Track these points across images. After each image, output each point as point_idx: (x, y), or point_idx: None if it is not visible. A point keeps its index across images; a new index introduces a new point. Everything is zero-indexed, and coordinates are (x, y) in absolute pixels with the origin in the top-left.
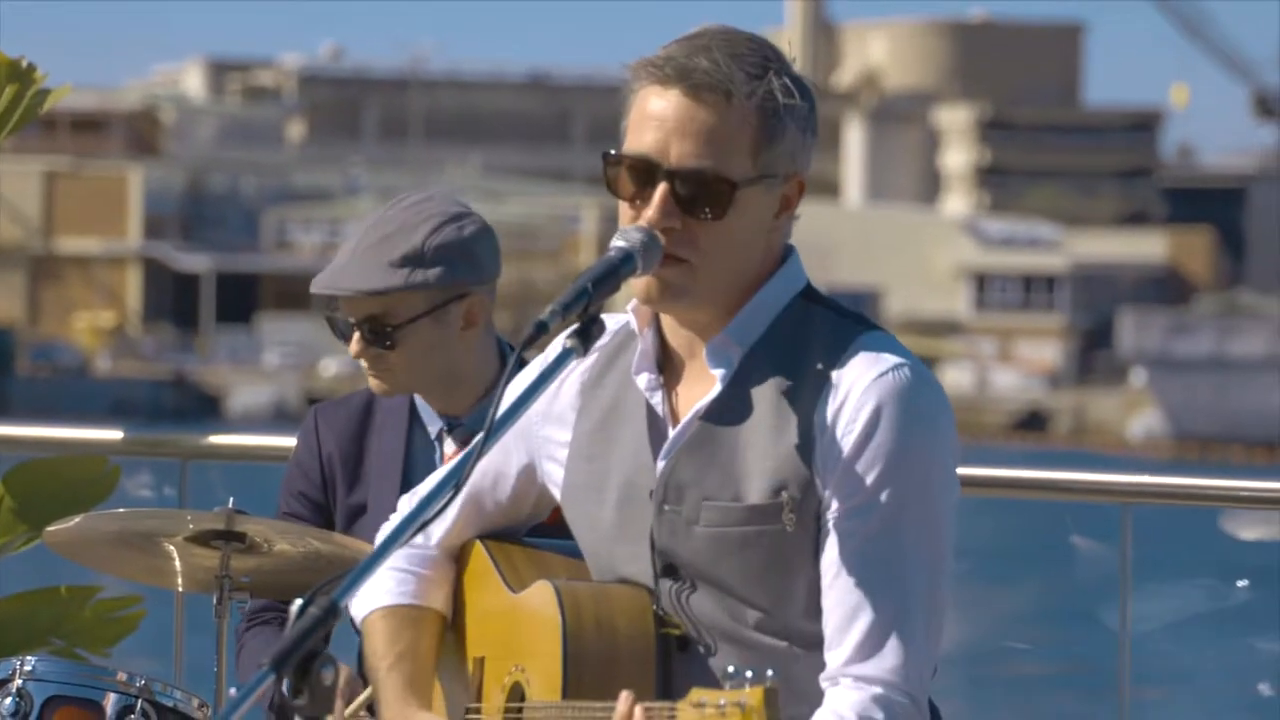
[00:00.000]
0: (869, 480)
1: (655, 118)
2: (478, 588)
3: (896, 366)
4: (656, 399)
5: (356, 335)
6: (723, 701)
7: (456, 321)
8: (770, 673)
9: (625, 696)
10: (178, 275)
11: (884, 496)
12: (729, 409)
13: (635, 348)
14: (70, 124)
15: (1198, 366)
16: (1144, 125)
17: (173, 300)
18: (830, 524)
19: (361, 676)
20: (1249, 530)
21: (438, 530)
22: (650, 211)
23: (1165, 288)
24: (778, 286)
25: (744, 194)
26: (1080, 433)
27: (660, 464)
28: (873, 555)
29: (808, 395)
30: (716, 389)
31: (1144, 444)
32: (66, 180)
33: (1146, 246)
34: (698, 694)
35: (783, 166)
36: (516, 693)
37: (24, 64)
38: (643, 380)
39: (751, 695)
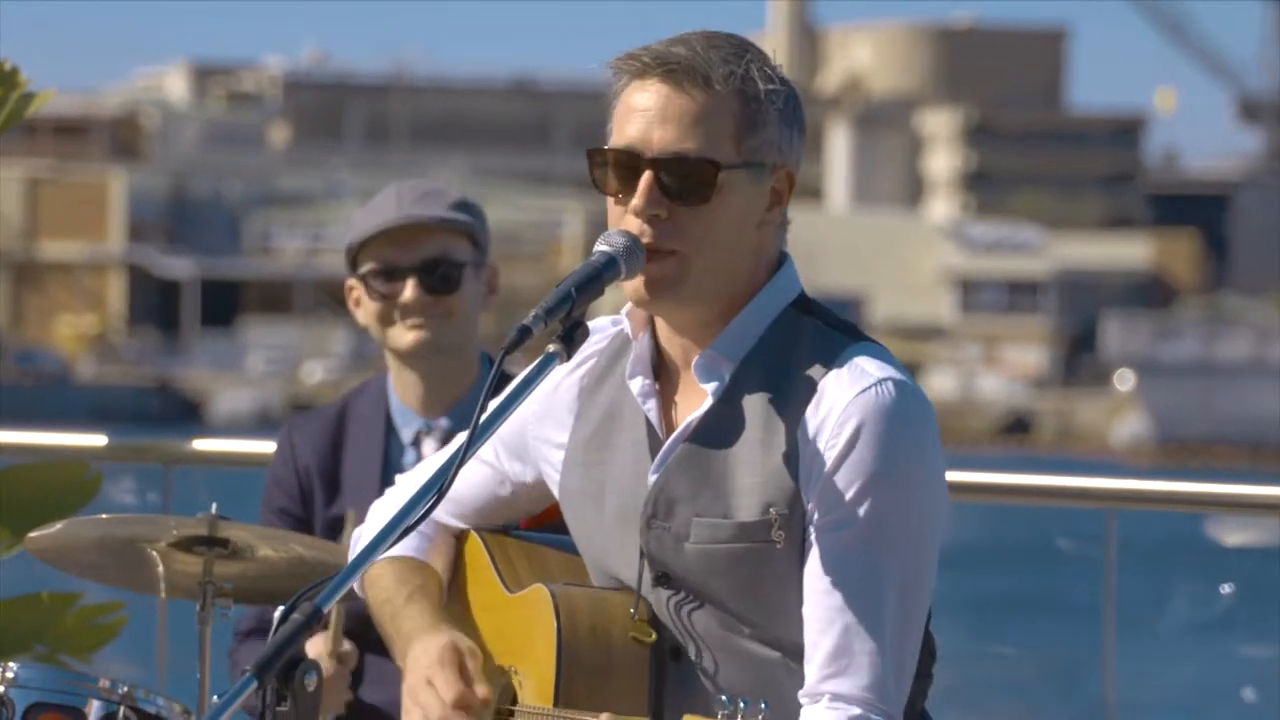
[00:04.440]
0: (849, 495)
1: (637, 109)
2: (473, 581)
3: (881, 381)
4: (651, 406)
5: (413, 280)
6: None
7: (484, 284)
8: (764, 705)
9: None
10: (161, 280)
11: (862, 512)
12: (719, 425)
13: (631, 352)
14: (52, 129)
15: (1183, 371)
16: (1128, 130)
17: (156, 305)
18: (811, 537)
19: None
20: (1233, 535)
21: (440, 513)
22: (636, 199)
23: (1150, 292)
24: (769, 296)
25: (729, 179)
26: (1065, 437)
27: (651, 478)
28: (849, 570)
29: (794, 410)
30: (707, 404)
31: (1129, 448)
32: (49, 185)
33: (1131, 251)
34: None
35: (769, 155)
36: (508, 694)
37: (7, 67)
38: (636, 385)
39: None
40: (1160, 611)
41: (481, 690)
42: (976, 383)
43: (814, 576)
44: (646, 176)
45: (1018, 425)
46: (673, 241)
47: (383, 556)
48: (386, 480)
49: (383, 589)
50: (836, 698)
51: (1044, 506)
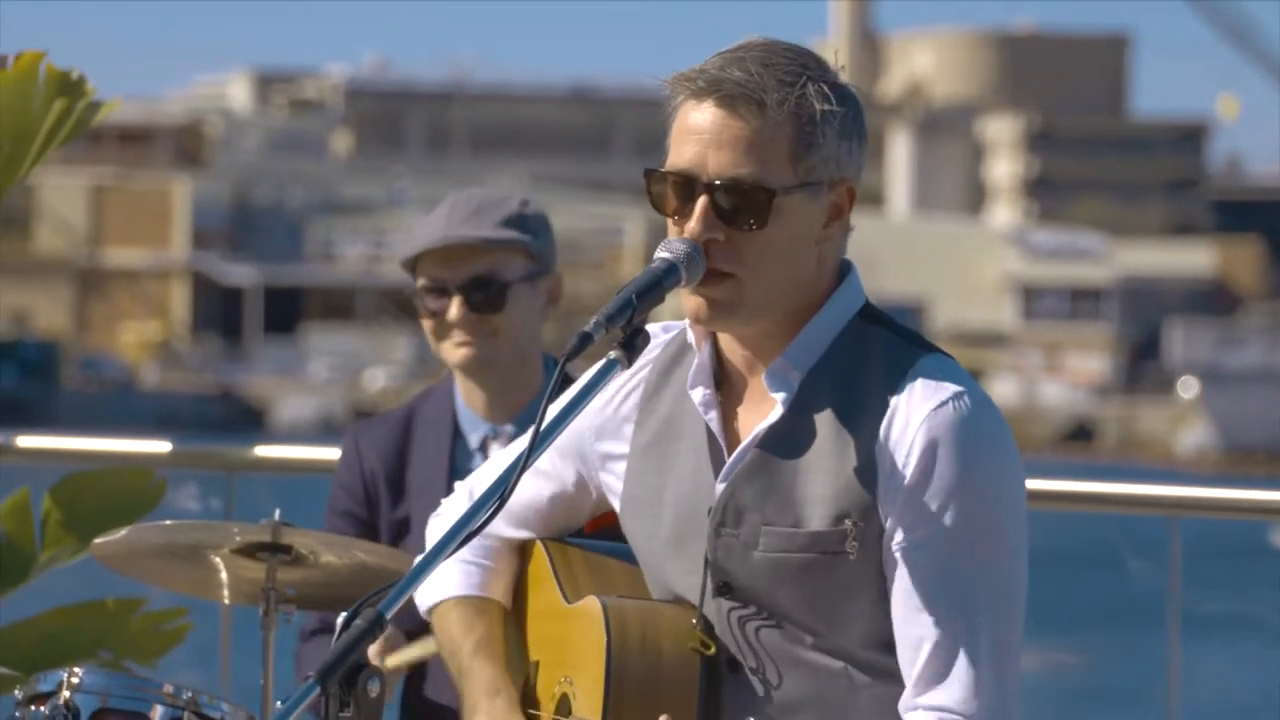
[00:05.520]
0: (933, 510)
1: (692, 131)
2: (536, 590)
3: (957, 395)
4: (713, 416)
5: (459, 299)
6: None
7: (543, 295)
8: None
9: None
10: (224, 287)
11: (949, 527)
12: (790, 434)
13: (691, 361)
14: (117, 136)
15: (1247, 378)
16: (1191, 136)
17: (219, 312)
18: (897, 555)
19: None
20: None
21: (499, 525)
22: (692, 224)
23: (1213, 299)
24: (837, 307)
25: (785, 202)
26: (1128, 445)
27: (719, 486)
28: (940, 586)
29: (868, 421)
30: (778, 413)
31: (1192, 456)
32: (113, 192)
33: (1194, 258)
34: None
35: (826, 173)
36: (564, 705)
37: (75, 76)
38: (698, 395)
39: None
40: (1225, 619)
41: None
42: (1038, 390)
43: (905, 593)
44: (702, 201)
45: (1080, 433)
46: (729, 265)
47: (449, 596)
48: (453, 484)
49: (449, 636)
50: (933, 709)
51: (1107, 514)
